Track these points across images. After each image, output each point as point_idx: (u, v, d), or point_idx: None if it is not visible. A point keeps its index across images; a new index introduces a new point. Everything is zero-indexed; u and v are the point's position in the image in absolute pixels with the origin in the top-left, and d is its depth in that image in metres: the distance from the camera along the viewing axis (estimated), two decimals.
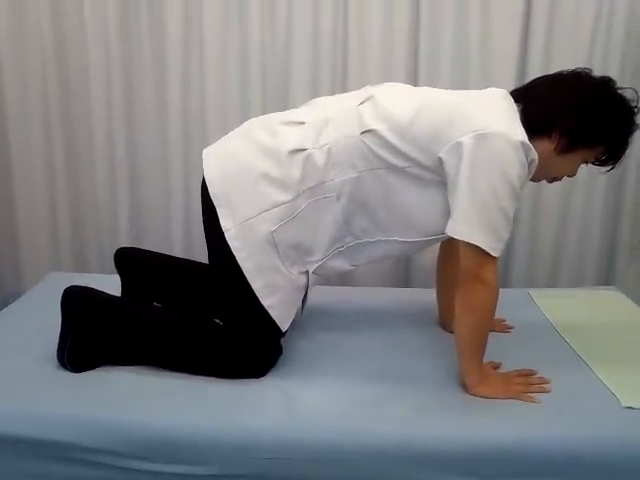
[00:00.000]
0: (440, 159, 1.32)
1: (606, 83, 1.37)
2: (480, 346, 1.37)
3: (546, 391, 1.36)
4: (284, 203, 1.37)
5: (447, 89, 1.49)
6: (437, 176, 1.35)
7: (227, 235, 1.37)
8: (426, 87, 1.55)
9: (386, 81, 1.57)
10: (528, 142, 1.29)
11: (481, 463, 1.21)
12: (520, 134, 1.30)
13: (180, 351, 1.45)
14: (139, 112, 2.25)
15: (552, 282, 2.33)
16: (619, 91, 1.36)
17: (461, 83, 2.13)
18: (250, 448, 1.24)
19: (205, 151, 1.49)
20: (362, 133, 1.36)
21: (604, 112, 1.34)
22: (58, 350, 1.44)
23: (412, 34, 2.12)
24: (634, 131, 1.37)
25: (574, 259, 2.31)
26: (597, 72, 1.38)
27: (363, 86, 1.51)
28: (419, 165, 1.35)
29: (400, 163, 1.36)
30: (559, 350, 1.58)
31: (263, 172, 1.37)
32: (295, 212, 1.38)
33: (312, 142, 1.38)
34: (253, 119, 1.58)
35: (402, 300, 1.91)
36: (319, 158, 1.37)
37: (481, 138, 1.28)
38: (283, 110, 1.70)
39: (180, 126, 2.24)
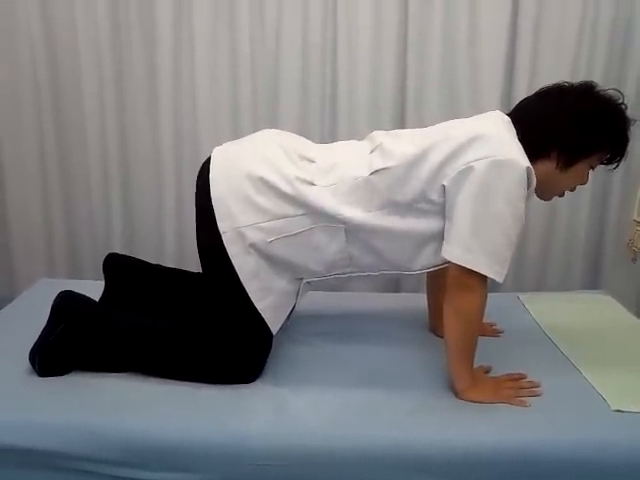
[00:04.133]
0: (443, 187, 1.33)
1: (589, 89, 1.38)
2: (469, 351, 1.37)
3: (537, 395, 1.37)
4: (287, 217, 1.38)
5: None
6: (441, 207, 1.36)
7: (224, 238, 1.37)
8: (431, 127, 1.52)
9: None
10: (531, 167, 1.30)
11: (472, 467, 1.21)
12: (525, 160, 1.31)
13: (169, 357, 1.44)
14: (130, 115, 2.25)
15: (540, 286, 2.35)
16: (603, 93, 1.37)
17: (449, 83, 2.16)
18: (241, 454, 1.23)
19: (215, 150, 1.49)
20: (371, 174, 1.38)
21: (595, 119, 1.35)
22: (32, 350, 1.43)
23: (401, 31, 2.13)
24: (629, 126, 1.38)
25: (561, 263, 2.34)
26: (583, 74, 1.40)
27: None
28: (425, 199, 1.36)
29: (407, 199, 1.37)
30: (549, 354, 1.59)
31: (271, 183, 1.37)
32: (297, 230, 1.38)
33: (319, 180, 1.39)
34: (268, 131, 1.60)
35: (392, 305, 1.92)
36: (327, 194, 1.38)
37: (496, 164, 1.28)
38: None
39: (172, 129, 2.25)
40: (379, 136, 1.48)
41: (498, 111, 1.46)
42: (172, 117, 2.23)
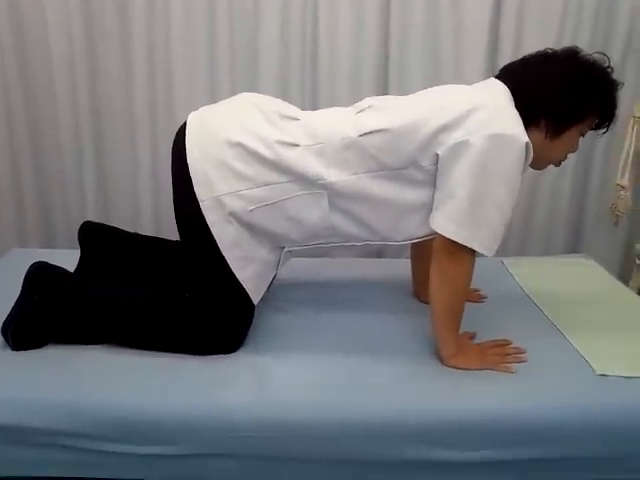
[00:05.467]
0: (437, 155, 1.29)
1: (574, 55, 1.34)
2: (456, 318, 1.36)
3: (522, 361, 1.36)
4: (268, 184, 1.33)
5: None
6: (430, 176, 1.32)
7: (202, 206, 1.32)
8: (426, 92, 1.45)
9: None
10: (530, 142, 1.26)
11: (458, 435, 1.20)
12: (525, 134, 1.26)
13: (149, 328, 1.40)
14: (104, 84, 2.15)
15: (523, 250, 2.34)
16: (588, 58, 1.33)
17: (432, 46, 2.10)
18: (223, 427, 1.20)
19: (191, 115, 1.43)
20: (361, 135, 1.32)
21: (582, 84, 1.31)
22: (5, 323, 1.38)
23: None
24: (617, 90, 1.35)
25: (544, 228, 2.33)
26: (568, 40, 1.34)
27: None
28: (416, 165, 1.32)
29: (397, 164, 1.32)
30: (533, 319, 1.58)
31: (250, 148, 1.32)
32: (279, 198, 1.34)
33: (305, 139, 1.34)
34: (246, 95, 1.53)
35: (375, 271, 1.90)
36: (311, 156, 1.33)
37: (495, 139, 1.23)
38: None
39: (146, 92, 2.16)
40: (370, 100, 1.42)
41: (497, 80, 1.39)
42: (146, 81, 2.14)
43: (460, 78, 2.04)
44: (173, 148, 1.42)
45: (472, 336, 1.46)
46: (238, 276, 1.35)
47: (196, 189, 1.33)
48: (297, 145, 1.33)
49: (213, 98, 2.05)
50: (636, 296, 1.78)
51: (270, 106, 1.42)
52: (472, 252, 1.29)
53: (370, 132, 1.31)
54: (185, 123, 1.41)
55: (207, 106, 1.49)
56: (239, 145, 1.32)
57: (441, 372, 1.33)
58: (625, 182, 2.16)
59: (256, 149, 1.32)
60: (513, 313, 1.60)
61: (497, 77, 1.40)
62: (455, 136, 1.26)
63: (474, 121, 1.26)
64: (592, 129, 1.39)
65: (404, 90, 1.77)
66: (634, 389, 1.26)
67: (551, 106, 1.31)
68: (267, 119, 1.37)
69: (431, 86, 1.47)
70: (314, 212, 1.36)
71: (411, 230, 1.38)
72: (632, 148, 2.12)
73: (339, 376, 1.32)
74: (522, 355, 1.37)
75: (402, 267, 1.77)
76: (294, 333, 1.49)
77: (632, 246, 2.28)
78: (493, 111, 1.28)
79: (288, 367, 1.35)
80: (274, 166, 1.32)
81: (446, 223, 1.28)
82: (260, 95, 1.54)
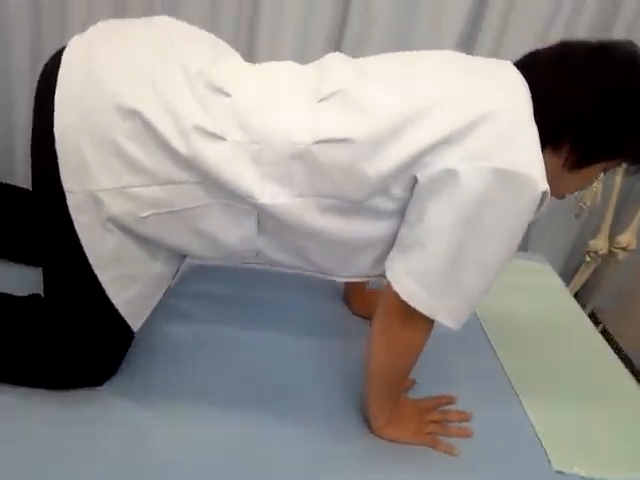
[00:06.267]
0: (414, 179, 0.89)
1: (633, 61, 0.92)
2: (396, 387, 1.07)
3: (466, 436, 1.10)
4: (173, 183, 0.91)
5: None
6: (401, 205, 0.93)
7: (69, 200, 0.91)
8: (434, 61, 0.99)
9: None
10: (548, 189, 0.86)
11: None
12: (544, 176, 0.86)
13: None
14: None
15: None
16: None
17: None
18: None
19: (75, 42, 0.94)
20: (317, 143, 0.89)
21: (635, 111, 0.92)
22: None
23: None
24: None
25: None
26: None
27: None
28: (384, 193, 0.91)
29: (360, 196, 0.91)
30: (487, 368, 1.29)
31: (155, 129, 0.88)
32: (187, 205, 0.93)
33: (235, 131, 0.90)
34: (169, 22, 1.01)
35: (297, 281, 1.43)
36: (242, 159, 0.90)
37: (501, 178, 0.83)
38: None
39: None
40: (339, 71, 0.96)
41: (516, 71, 0.95)
42: None
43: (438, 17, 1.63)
44: (37, 92, 0.95)
45: (410, 385, 1.18)
46: (113, 301, 0.98)
47: (62, 174, 0.90)
48: (223, 138, 0.90)
49: None
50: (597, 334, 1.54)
51: (197, 59, 0.94)
52: (432, 321, 0.95)
53: (329, 140, 0.89)
54: (61, 52, 0.93)
55: (103, 26, 0.98)
56: (137, 116, 0.88)
57: (368, 447, 1.04)
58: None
59: (163, 132, 0.88)
60: (463, 354, 1.31)
61: (518, 64, 0.98)
62: (446, 159, 0.86)
63: (478, 138, 0.85)
64: (621, 166, 1.02)
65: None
66: None
67: (585, 132, 0.92)
68: (189, 85, 0.91)
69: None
70: (235, 231, 0.97)
71: (363, 268, 1.02)
72: None
73: (236, 457, 0.98)
74: (466, 429, 1.11)
75: None
76: (186, 364, 1.14)
77: (583, 242, 2.05)
78: (507, 127, 0.86)
79: (170, 430, 1.00)
80: (186, 162, 0.90)
81: (407, 281, 0.91)
82: (183, 26, 1.03)
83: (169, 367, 1.13)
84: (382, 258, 0.98)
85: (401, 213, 0.93)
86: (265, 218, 0.95)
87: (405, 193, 0.91)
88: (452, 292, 0.91)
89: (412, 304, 0.91)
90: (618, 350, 2.15)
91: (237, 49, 1.06)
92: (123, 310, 0.99)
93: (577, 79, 0.91)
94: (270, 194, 0.91)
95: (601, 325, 2.26)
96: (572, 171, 0.96)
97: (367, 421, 1.08)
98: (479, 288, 0.91)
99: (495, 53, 1.68)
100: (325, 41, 1.67)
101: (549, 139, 0.92)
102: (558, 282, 1.70)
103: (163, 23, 1.01)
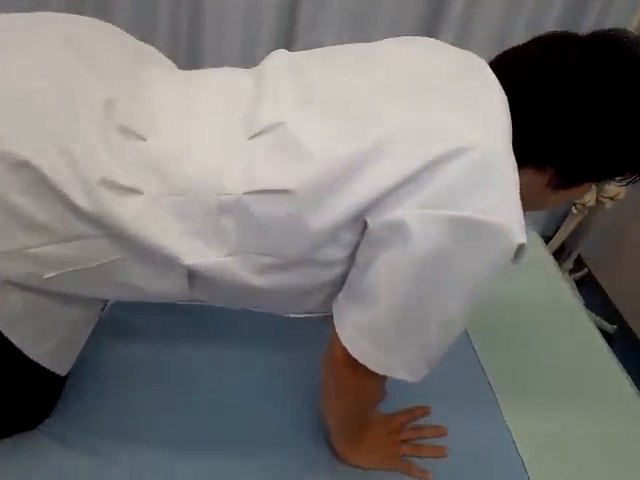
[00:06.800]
0: (365, 223, 0.74)
1: (634, 57, 0.75)
2: (359, 420, 0.97)
3: (441, 456, 1.02)
4: (80, 239, 0.74)
5: None
6: (351, 250, 0.78)
7: None
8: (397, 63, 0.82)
9: None
10: (526, 243, 0.72)
11: None
12: (522, 228, 0.71)
13: None
14: None
15: None
16: None
17: None
18: None
19: None
20: (248, 193, 0.73)
21: (629, 132, 0.76)
22: None
23: None
24: None
25: None
26: None
27: None
28: (333, 242, 0.76)
29: (303, 252, 0.76)
30: (469, 374, 1.19)
31: (52, 183, 0.70)
32: (101, 261, 0.77)
33: (153, 183, 0.74)
34: (61, 27, 0.81)
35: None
36: (162, 216, 0.74)
37: (462, 226, 0.69)
38: None
39: None
40: (279, 92, 0.78)
41: (493, 76, 0.79)
42: None
43: None
44: None
45: (381, 398, 1.08)
46: (31, 356, 0.85)
47: None
48: (138, 192, 0.73)
49: None
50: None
51: (105, 87, 0.75)
52: None
53: (264, 191, 0.74)
54: None
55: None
56: (28, 169, 0.70)
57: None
58: None
59: (62, 187, 0.70)
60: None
61: (493, 65, 0.82)
62: (400, 207, 0.70)
63: (441, 181, 0.69)
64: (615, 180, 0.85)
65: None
66: None
67: (572, 161, 0.78)
68: (94, 126, 0.72)
69: None
70: (162, 282, 0.81)
71: (316, 305, 0.89)
72: None
73: None
74: (441, 449, 1.02)
75: None
76: (135, 402, 1.02)
77: None
78: (477, 167, 0.70)
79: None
80: (92, 219, 0.73)
81: (356, 336, 0.78)
82: (95, 33, 0.83)
83: (115, 397, 1.02)
84: (336, 294, 0.84)
85: (352, 256, 0.79)
86: (196, 279, 0.81)
87: (356, 236, 0.76)
88: (409, 348, 0.79)
89: (362, 362, 0.79)
90: (602, 294, 2.12)
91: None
92: (44, 362, 0.87)
93: (567, 95, 0.75)
94: (196, 254, 0.76)
95: (586, 269, 2.21)
96: (558, 190, 0.82)
97: (334, 450, 1.00)
98: (442, 342, 0.80)
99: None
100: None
101: (532, 159, 0.78)
102: (545, 254, 1.58)
103: (63, 26, 0.82)
